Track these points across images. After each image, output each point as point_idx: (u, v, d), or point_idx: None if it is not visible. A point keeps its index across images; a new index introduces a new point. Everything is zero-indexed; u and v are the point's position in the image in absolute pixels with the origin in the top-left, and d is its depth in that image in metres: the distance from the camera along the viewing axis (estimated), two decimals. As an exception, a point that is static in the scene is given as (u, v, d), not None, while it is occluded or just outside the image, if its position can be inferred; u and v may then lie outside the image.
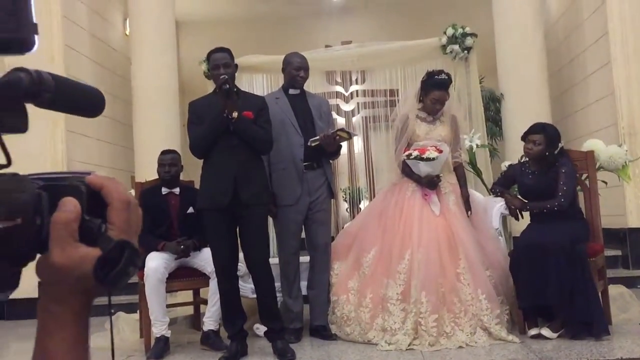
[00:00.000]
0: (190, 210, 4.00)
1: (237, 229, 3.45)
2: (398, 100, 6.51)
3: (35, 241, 0.54)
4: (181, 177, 4.26)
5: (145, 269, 3.70)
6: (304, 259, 3.96)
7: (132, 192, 4.56)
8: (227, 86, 3.27)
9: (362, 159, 7.88)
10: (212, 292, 3.98)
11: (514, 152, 6.06)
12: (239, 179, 3.35)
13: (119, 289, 0.56)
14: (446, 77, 3.84)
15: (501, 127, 6.43)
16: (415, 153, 3.70)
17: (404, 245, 3.65)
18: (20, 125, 0.56)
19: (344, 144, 3.94)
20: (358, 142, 7.91)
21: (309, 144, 3.73)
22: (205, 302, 4.03)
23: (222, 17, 8.74)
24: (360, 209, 7.99)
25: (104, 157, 6.73)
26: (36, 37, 0.56)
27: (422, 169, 3.70)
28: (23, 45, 0.56)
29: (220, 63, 3.44)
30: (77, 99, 0.60)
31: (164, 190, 4.11)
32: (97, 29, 6.85)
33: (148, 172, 4.86)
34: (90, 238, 0.56)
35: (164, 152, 4.16)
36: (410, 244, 3.63)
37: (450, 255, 3.61)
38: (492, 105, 6.41)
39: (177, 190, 4.12)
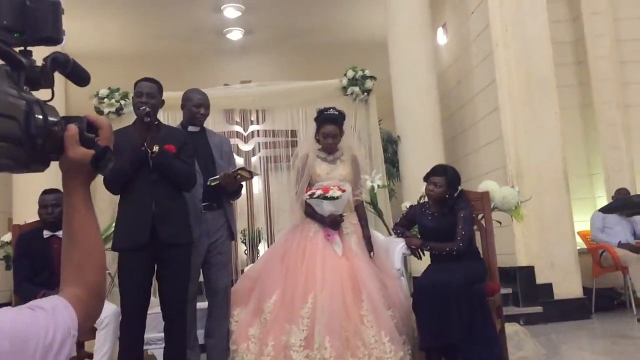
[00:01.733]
0: None
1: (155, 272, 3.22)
2: (297, 140, 6.53)
3: (56, 149, 0.94)
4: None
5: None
6: (201, 304, 3.74)
7: (9, 235, 4.15)
8: (149, 118, 3.09)
9: (262, 199, 7.77)
10: (99, 344, 3.65)
11: (411, 193, 6.21)
12: (158, 216, 3.15)
13: (104, 173, 1.00)
14: (336, 113, 3.87)
15: (398, 169, 6.58)
16: (318, 192, 3.64)
17: (307, 289, 3.53)
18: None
19: (243, 185, 3.81)
20: (257, 183, 7.80)
21: (208, 183, 3.57)
22: (90, 356, 3.69)
23: (116, 52, 8.43)
24: (259, 251, 7.83)
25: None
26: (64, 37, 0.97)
27: (326, 208, 3.64)
28: (57, 41, 0.97)
29: (144, 91, 3.27)
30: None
31: (46, 234, 3.76)
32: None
33: (28, 213, 4.46)
34: (88, 145, 0.97)
35: (45, 192, 3.82)
36: (314, 286, 3.52)
37: (354, 297, 3.53)
38: (390, 147, 6.55)
39: (60, 233, 3.78)
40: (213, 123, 5.97)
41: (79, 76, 1.03)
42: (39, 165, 0.93)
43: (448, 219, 3.79)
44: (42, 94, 0.96)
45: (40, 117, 0.90)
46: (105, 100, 5.49)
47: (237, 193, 3.79)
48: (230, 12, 7.84)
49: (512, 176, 5.64)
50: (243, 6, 7.73)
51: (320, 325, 3.39)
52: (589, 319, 5.66)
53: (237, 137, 7.49)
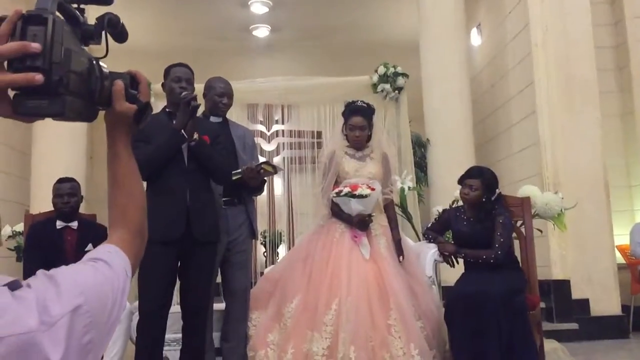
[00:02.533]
0: (89, 247, 3.47)
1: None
2: (323, 141, 6.29)
3: (104, 102, 1.02)
4: (80, 210, 3.73)
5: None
6: (218, 306, 3.51)
7: (22, 225, 3.97)
8: (195, 103, 2.88)
9: (284, 201, 7.55)
10: (109, 344, 3.45)
11: (439, 198, 5.94)
12: (193, 210, 2.93)
13: (144, 124, 1.11)
14: (364, 105, 3.65)
15: (426, 173, 6.31)
16: (346, 190, 3.40)
17: (332, 294, 3.28)
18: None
19: (266, 180, 3.58)
20: (280, 184, 7.59)
21: (230, 177, 3.34)
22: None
23: (142, 48, 8.24)
24: (278, 253, 7.61)
25: (-5, 187, 6.00)
26: None
27: (354, 207, 3.39)
28: (108, 2, 1.06)
29: (183, 77, 3.07)
30: None
31: (59, 224, 3.57)
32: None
33: (44, 206, 4.29)
34: (131, 100, 1.07)
35: (61, 180, 3.63)
36: (339, 292, 3.27)
37: (381, 305, 3.27)
38: (418, 151, 6.29)
39: (74, 224, 3.59)
40: (235, 120, 5.77)
41: (123, 36, 1.11)
42: (91, 116, 1.02)
43: (485, 224, 3.52)
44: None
45: (97, 73, 0.97)
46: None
47: (260, 189, 3.56)
48: (258, 7, 7.66)
49: (549, 184, 5.34)
50: (270, 2, 7.54)
51: (345, 334, 3.14)
52: (626, 338, 5.32)
53: (260, 137, 7.29)
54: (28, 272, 3.49)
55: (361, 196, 3.36)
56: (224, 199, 3.36)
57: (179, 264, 3.01)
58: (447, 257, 3.62)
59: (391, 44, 7.89)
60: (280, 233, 7.52)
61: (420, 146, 6.30)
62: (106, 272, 0.93)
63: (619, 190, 6.24)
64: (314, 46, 8.44)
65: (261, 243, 7.70)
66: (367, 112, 3.64)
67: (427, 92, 6.37)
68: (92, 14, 0.98)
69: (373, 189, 3.43)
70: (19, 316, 0.77)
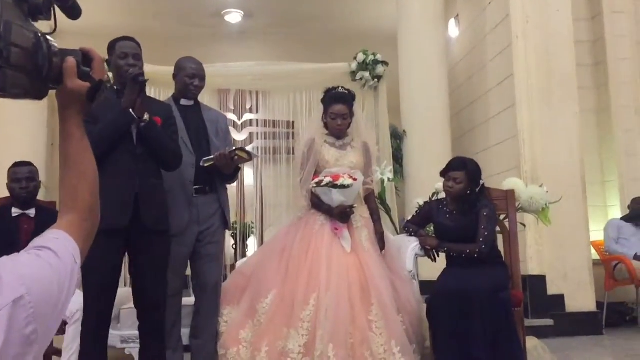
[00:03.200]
0: None
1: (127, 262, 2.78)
2: (296, 132, 6.10)
3: (55, 79, 0.99)
4: (38, 197, 3.47)
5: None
6: (188, 300, 3.30)
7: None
8: (143, 79, 2.66)
9: (253, 192, 7.34)
10: (69, 341, 3.22)
11: (415, 190, 5.82)
12: (143, 196, 2.70)
13: (96, 103, 1.08)
14: (346, 91, 3.50)
15: (402, 165, 6.18)
16: (327, 179, 3.22)
17: (310, 288, 3.11)
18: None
19: (240, 167, 3.37)
20: (249, 174, 7.37)
21: (201, 164, 3.13)
22: (58, 353, 3.26)
23: (108, 29, 7.86)
24: (247, 246, 7.40)
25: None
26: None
27: (335, 197, 3.22)
28: (77, 16, 1.10)
29: (130, 52, 2.82)
30: None
31: (15, 212, 3.32)
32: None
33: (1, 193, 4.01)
34: (84, 78, 1.04)
35: (17, 164, 3.37)
36: (317, 286, 3.10)
37: (362, 300, 3.11)
38: (394, 142, 6.14)
39: (32, 212, 3.34)
40: (205, 106, 5.53)
41: (75, 11, 1.09)
42: (40, 94, 0.98)
43: (469, 217, 3.39)
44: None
45: (45, 49, 0.94)
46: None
47: (234, 176, 3.35)
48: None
49: (527, 178, 5.24)
50: (244, -14, 7.30)
51: (323, 331, 2.98)
52: (600, 334, 5.29)
53: (232, 126, 7.06)
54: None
55: (343, 186, 3.20)
56: (195, 187, 3.14)
57: (125, 258, 2.78)
58: (428, 252, 3.49)
59: (369, 34, 7.72)
60: (250, 225, 7.31)
61: (396, 138, 6.17)
62: (52, 261, 0.91)
63: (593, 186, 6.21)
64: (289, 34, 8.22)
65: (231, 235, 7.49)
66: (348, 99, 3.48)
67: (405, 82, 6.25)
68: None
69: (355, 179, 3.27)
70: None
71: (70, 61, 1.02)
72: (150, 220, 2.69)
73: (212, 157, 3.10)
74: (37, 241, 0.95)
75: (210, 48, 8.26)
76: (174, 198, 3.03)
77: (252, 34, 8.37)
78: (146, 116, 2.69)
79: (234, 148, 3.18)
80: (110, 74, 3.04)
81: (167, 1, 7.60)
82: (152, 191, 2.76)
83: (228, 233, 7.44)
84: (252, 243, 7.72)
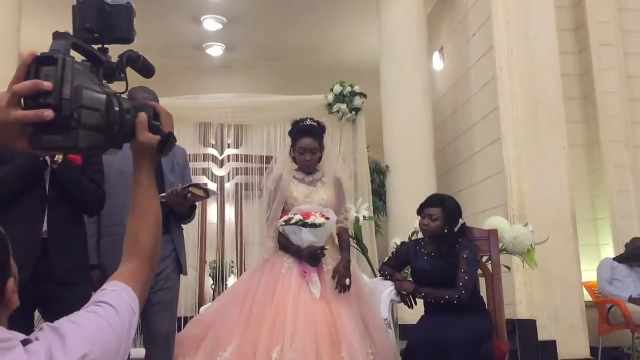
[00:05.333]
0: None
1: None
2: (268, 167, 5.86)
3: (128, 134, 1.09)
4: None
5: None
6: (137, 352, 2.98)
7: None
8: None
9: (233, 229, 7.06)
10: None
11: (399, 229, 5.55)
12: (53, 245, 2.41)
13: (167, 153, 1.18)
14: (314, 124, 3.25)
15: (385, 202, 5.93)
16: (297, 217, 2.97)
17: (273, 340, 2.81)
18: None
19: (211, 209, 3.09)
20: (230, 211, 7.11)
21: None
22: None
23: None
24: (226, 286, 7.09)
25: None
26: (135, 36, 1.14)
27: (305, 237, 2.96)
28: (130, 41, 1.14)
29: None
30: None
31: None
32: None
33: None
34: (154, 131, 1.14)
35: None
36: (281, 338, 2.80)
37: (331, 353, 2.81)
38: (377, 178, 5.91)
39: None
40: (186, 144, 5.29)
41: (147, 70, 1.19)
42: (115, 148, 1.09)
43: (447, 260, 3.13)
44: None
45: (117, 108, 1.03)
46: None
47: (190, 216, 3.08)
48: (211, 24, 7.24)
49: (514, 216, 4.99)
50: (224, 18, 7.14)
51: (286, 388, 2.67)
52: (595, 383, 4.97)
53: (212, 161, 6.82)
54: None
55: (314, 225, 2.94)
56: None
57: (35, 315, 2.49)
58: (405, 297, 3.21)
59: (351, 67, 7.57)
60: (229, 264, 7.00)
61: (379, 173, 5.93)
62: (111, 319, 0.99)
63: (585, 224, 5.96)
64: (271, 67, 8.07)
65: (210, 275, 7.19)
66: (317, 132, 3.24)
67: (388, 116, 6.05)
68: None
69: (328, 219, 3.01)
70: None
71: (142, 117, 1.12)
72: (61, 270, 2.40)
73: (164, 194, 2.83)
74: (98, 296, 1.04)
75: (192, 81, 8.10)
76: (119, 240, 2.74)
77: (234, 68, 8.22)
78: (58, 157, 2.42)
79: (188, 184, 2.91)
80: None
81: (149, 34, 7.44)
82: (64, 238, 2.46)
83: (207, 273, 7.20)
84: (231, 283, 7.41)
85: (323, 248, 3.04)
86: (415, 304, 3.21)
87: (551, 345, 4.95)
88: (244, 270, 6.83)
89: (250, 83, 8.33)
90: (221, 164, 6.89)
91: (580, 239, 5.36)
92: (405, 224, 5.40)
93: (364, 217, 3.80)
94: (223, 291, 6.88)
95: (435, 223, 3.15)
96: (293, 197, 3.16)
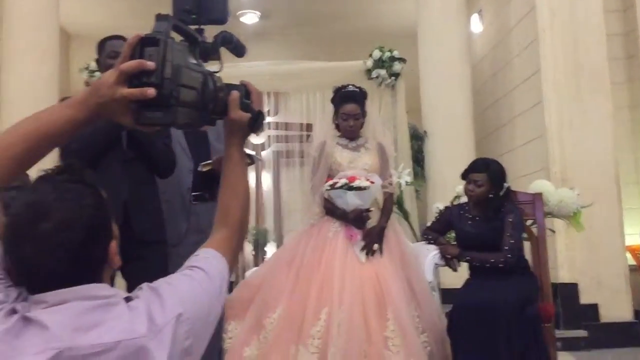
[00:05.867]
0: None
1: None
2: (309, 134, 5.88)
3: (220, 111, 1.15)
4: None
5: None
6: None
7: None
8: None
9: (271, 197, 7.14)
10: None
11: (437, 194, 5.55)
12: (133, 205, 2.51)
13: (258, 132, 1.22)
14: (356, 89, 3.26)
15: (423, 168, 5.92)
16: (342, 181, 3.00)
17: (321, 302, 2.87)
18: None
19: (249, 177, 3.15)
20: (268, 179, 7.18)
21: (199, 169, 2.93)
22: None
23: (123, 32, 7.80)
24: (265, 252, 7.20)
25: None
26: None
27: (350, 200, 3.00)
28: (223, 21, 1.26)
29: (121, 51, 2.61)
30: None
31: None
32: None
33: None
34: (245, 109, 1.17)
35: (8, 189, 3.18)
36: (329, 300, 2.86)
37: (378, 315, 2.87)
38: (415, 144, 5.89)
39: None
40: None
41: (240, 49, 1.26)
42: (208, 124, 1.24)
43: (492, 224, 3.12)
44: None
45: (212, 86, 1.11)
46: (97, 73, 4.91)
47: None
48: (248, -6, 7.23)
49: (556, 179, 4.93)
50: (259, -15, 7.12)
51: (335, 348, 2.74)
52: (638, 346, 4.94)
53: (249, 128, 6.86)
54: None
55: (359, 188, 2.98)
56: (193, 193, 2.94)
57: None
58: (449, 261, 3.23)
59: (388, 32, 7.47)
60: (267, 231, 7.11)
61: (417, 139, 5.92)
62: (202, 280, 1.06)
63: (628, 187, 5.85)
64: (306, 33, 8.02)
65: (248, 241, 7.30)
66: (360, 97, 3.25)
67: (425, 81, 5.99)
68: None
69: (372, 182, 3.04)
70: (133, 324, 0.94)
71: (235, 95, 1.17)
72: (141, 228, 2.50)
73: (209, 161, 2.90)
74: (191, 261, 1.12)
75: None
76: (171, 206, 2.83)
77: (268, 35, 8.19)
78: None
79: None
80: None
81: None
82: (144, 198, 2.56)
83: (247, 240, 7.32)
84: (270, 250, 7.53)
85: (368, 209, 3.07)
86: (459, 265, 3.23)
87: (593, 309, 4.94)
88: (283, 237, 6.94)
89: (284, 50, 8.30)
90: (258, 132, 6.94)
91: (623, 202, 5.28)
92: (444, 189, 5.40)
93: (406, 182, 3.80)
94: (262, 258, 7.02)
95: (480, 189, 3.14)
96: (337, 163, 3.19)
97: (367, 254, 3.01)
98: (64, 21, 6.03)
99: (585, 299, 4.95)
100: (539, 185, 3.41)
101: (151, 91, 0.97)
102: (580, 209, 3.37)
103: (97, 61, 2.76)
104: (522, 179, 5.21)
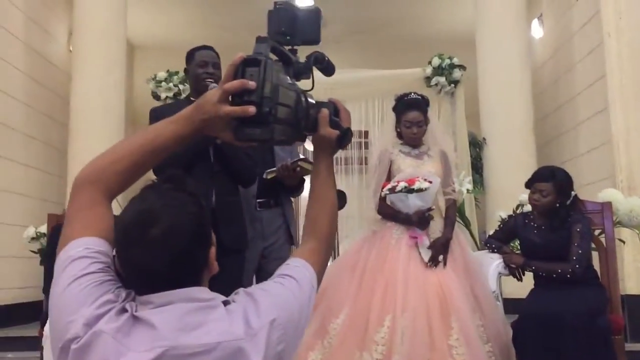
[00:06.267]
0: None
1: None
2: (369, 142, 5.90)
3: (311, 127, 1.20)
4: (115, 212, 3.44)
5: (46, 327, 2.83)
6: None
7: (45, 226, 3.70)
8: None
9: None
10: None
11: (497, 203, 5.47)
12: (220, 215, 2.61)
13: (344, 148, 1.27)
14: (419, 97, 3.28)
15: (482, 175, 5.85)
16: (402, 184, 3.02)
17: (385, 308, 2.89)
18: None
19: (306, 179, 3.20)
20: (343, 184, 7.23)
21: (264, 176, 3.00)
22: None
23: (181, 43, 7.95)
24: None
25: (32, 185, 5.83)
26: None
27: (412, 203, 3.01)
28: (316, 42, 1.26)
29: (210, 61, 2.74)
30: None
31: None
32: (36, 40, 6.04)
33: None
34: (334, 126, 1.22)
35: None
36: (393, 306, 2.88)
37: (442, 323, 2.86)
38: (473, 151, 5.83)
39: None
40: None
41: (329, 69, 1.28)
42: (299, 140, 1.26)
43: (559, 233, 3.07)
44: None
45: (304, 104, 1.17)
46: (163, 83, 5.06)
47: (298, 189, 3.20)
48: (302, 0, 7.31)
49: (623, 188, 4.78)
50: (316, -5, 7.20)
51: (399, 355, 2.76)
52: None
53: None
54: (49, 280, 3.21)
55: (420, 190, 2.99)
56: (258, 200, 3.01)
57: None
58: (513, 270, 3.19)
59: (444, 38, 7.43)
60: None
61: (475, 146, 5.85)
62: (294, 288, 1.11)
63: (699, 196, 5.62)
64: (362, 41, 8.05)
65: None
66: (422, 105, 3.26)
67: (484, 87, 5.91)
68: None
69: (431, 182, 3.04)
70: (231, 326, 0.99)
71: (324, 112, 1.22)
72: (228, 238, 2.57)
73: (274, 169, 2.96)
74: (282, 269, 1.17)
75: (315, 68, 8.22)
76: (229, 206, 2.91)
77: (324, 43, 8.22)
78: None
79: (296, 159, 3.02)
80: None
81: (237, 13, 7.63)
82: (229, 208, 2.67)
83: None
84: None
85: (430, 209, 3.07)
86: (524, 274, 3.18)
87: (662, 322, 4.76)
88: (338, 242, 6.97)
89: (340, 58, 8.31)
90: (313, 139, 7.01)
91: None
92: (504, 198, 5.32)
93: (467, 190, 3.78)
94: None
95: (546, 199, 3.08)
96: (400, 170, 3.20)
97: (432, 265, 3.01)
98: (129, 33, 6.26)
99: (653, 311, 4.77)
100: (608, 194, 3.33)
101: (252, 109, 1.03)
102: (651, 218, 3.27)
103: (186, 70, 2.87)
104: (586, 187, 5.08)
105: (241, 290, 1.09)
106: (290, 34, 1.22)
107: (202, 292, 1.05)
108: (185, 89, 5.21)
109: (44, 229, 3.74)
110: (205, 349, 0.96)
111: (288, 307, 1.07)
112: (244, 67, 1.06)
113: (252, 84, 1.04)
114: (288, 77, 1.15)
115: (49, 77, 6.25)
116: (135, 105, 7.99)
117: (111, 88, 5.67)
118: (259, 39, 1.11)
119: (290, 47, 1.21)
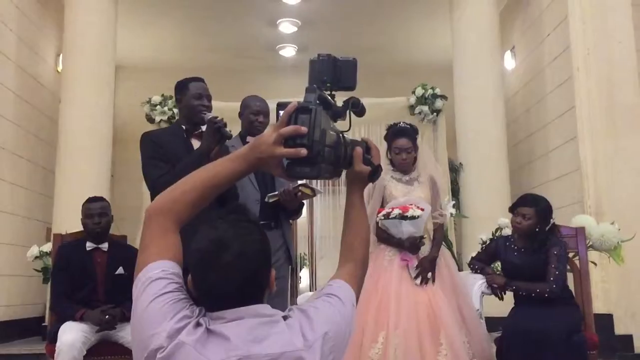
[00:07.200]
0: (120, 270, 3.32)
1: None
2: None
3: (346, 164, 1.35)
4: (110, 231, 3.57)
5: (58, 343, 2.95)
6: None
7: (49, 245, 3.80)
8: (229, 133, 2.71)
9: (305, 223, 7.36)
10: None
11: (472, 225, 5.75)
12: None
13: (374, 182, 1.43)
14: (408, 125, 3.52)
15: (458, 199, 6.12)
16: (396, 211, 3.22)
17: (378, 325, 3.09)
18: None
19: (305, 203, 3.38)
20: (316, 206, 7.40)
21: (266, 199, 3.18)
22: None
23: (170, 64, 8.14)
24: (299, 278, 7.40)
25: (17, 203, 5.87)
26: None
27: (405, 229, 3.22)
28: (352, 88, 1.38)
29: (204, 94, 2.87)
30: None
31: (89, 246, 3.42)
32: (26, 62, 6.13)
33: (67, 224, 4.16)
34: (366, 163, 1.37)
35: (90, 200, 3.48)
36: (386, 323, 3.07)
37: (431, 339, 3.07)
38: (451, 175, 6.11)
39: (105, 245, 3.43)
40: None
41: (362, 112, 1.39)
42: (336, 176, 1.34)
43: (537, 255, 3.32)
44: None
45: (343, 144, 1.30)
46: (158, 107, 5.20)
47: (298, 212, 3.38)
48: (286, 27, 7.56)
49: (591, 213, 5.10)
50: (299, 21, 7.45)
51: (392, 371, 2.94)
52: (673, 377, 5.04)
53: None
54: (56, 297, 3.33)
55: (413, 217, 3.20)
56: (260, 222, 3.17)
57: None
58: (496, 290, 3.42)
59: (423, 66, 7.75)
60: (302, 256, 7.33)
61: (452, 170, 6.13)
62: (339, 306, 1.24)
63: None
64: (342, 67, 8.30)
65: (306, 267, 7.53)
66: (411, 133, 3.50)
67: (460, 114, 6.22)
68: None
69: (422, 209, 3.26)
70: (292, 338, 1.13)
71: (358, 150, 1.36)
72: None
73: (276, 193, 3.14)
74: (327, 289, 1.30)
75: (265, 81, 8.41)
76: None
77: (306, 68, 8.49)
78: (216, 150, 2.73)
79: (297, 184, 3.21)
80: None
81: (223, 36, 7.82)
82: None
83: (305, 265, 7.52)
84: (304, 275, 7.73)
85: (422, 237, 3.29)
86: (505, 294, 3.41)
87: (628, 340, 5.05)
88: (316, 263, 7.14)
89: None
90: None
91: (656, 236, 5.41)
92: (479, 220, 5.60)
93: (451, 214, 4.02)
94: (297, 283, 7.23)
95: (527, 222, 3.32)
96: (392, 196, 3.41)
97: (420, 282, 3.22)
98: (119, 52, 6.38)
99: (620, 329, 5.07)
100: (581, 219, 3.60)
101: (304, 151, 1.17)
102: (620, 243, 3.55)
103: (178, 100, 2.97)
104: (556, 212, 5.31)
105: (294, 307, 1.23)
106: (331, 82, 1.34)
107: (265, 308, 1.19)
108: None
109: (47, 247, 3.81)
110: (271, 357, 1.10)
111: (336, 322, 1.20)
112: (296, 114, 1.19)
113: (303, 129, 1.17)
114: (330, 120, 1.28)
115: (38, 98, 6.33)
116: (116, 124, 8.07)
117: (100, 110, 5.78)
118: (308, 89, 1.25)
119: (329, 92, 1.33)
